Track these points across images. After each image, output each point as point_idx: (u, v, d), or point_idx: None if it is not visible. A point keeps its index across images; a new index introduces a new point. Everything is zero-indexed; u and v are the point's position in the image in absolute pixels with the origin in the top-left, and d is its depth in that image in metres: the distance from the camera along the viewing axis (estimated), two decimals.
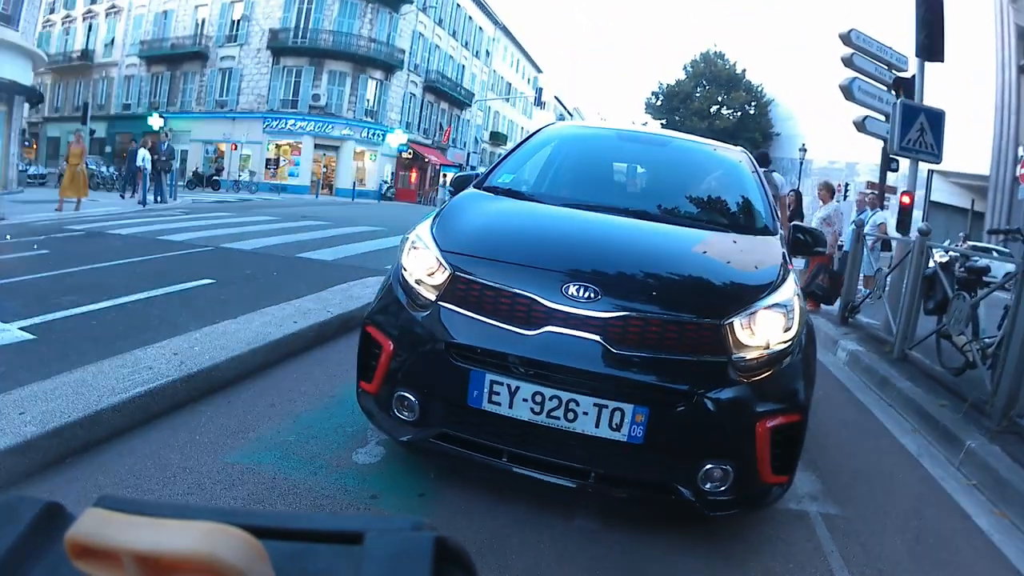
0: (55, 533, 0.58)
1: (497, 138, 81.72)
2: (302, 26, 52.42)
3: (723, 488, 3.86)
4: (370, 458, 4.64)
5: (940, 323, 8.53)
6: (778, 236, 5.29)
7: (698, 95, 63.28)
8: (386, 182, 55.96)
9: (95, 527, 0.54)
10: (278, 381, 6.06)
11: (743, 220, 5.66)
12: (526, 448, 3.94)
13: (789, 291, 4.31)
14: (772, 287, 4.26)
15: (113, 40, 62.67)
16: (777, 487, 4.07)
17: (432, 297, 4.20)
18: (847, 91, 12.84)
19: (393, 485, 4.35)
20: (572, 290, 3.90)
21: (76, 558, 0.54)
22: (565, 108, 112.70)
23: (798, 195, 14.62)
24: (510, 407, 3.82)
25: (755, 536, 4.25)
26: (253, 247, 14.26)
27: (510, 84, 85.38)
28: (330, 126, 52.42)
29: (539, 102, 71.22)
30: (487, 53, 76.45)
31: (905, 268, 9.63)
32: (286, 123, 52.28)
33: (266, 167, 52.88)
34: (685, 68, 65.27)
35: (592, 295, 3.90)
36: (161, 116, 51.58)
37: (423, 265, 4.39)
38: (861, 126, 13.15)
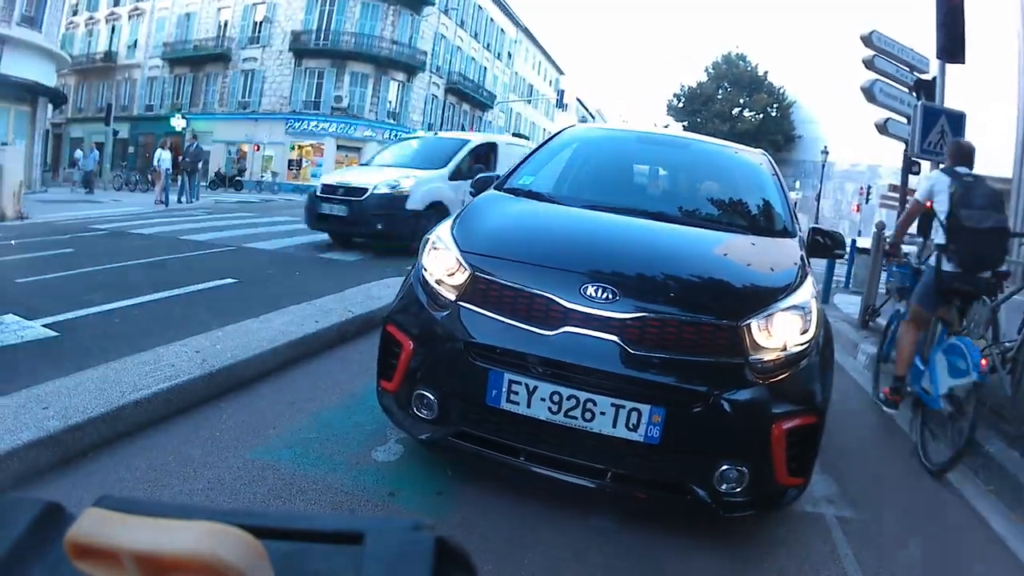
0: (55, 533, 0.58)
1: (520, 139, 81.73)
2: (324, 28, 52.46)
3: (738, 489, 3.87)
4: (389, 456, 4.67)
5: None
6: (797, 238, 5.29)
7: (720, 97, 63.07)
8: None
9: (95, 527, 0.54)
10: (299, 379, 6.11)
11: (762, 222, 5.66)
12: (544, 447, 3.95)
13: (807, 293, 4.31)
14: (790, 289, 4.27)
15: (136, 42, 62.87)
16: (793, 489, 4.07)
17: (452, 297, 4.24)
18: (868, 93, 12.82)
19: (411, 483, 4.38)
20: (590, 291, 3.91)
21: (76, 558, 0.54)
22: (587, 110, 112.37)
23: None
24: (528, 406, 3.82)
25: (770, 537, 4.27)
26: (275, 247, 14.31)
27: (532, 86, 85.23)
28: (352, 127, 52.43)
29: (560, 104, 71.11)
30: (508, 55, 76.30)
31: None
32: (308, 124, 52.34)
33: (288, 168, 53.02)
34: (707, 70, 65.05)
35: (610, 296, 3.90)
36: (184, 117, 51.61)
37: (443, 265, 4.44)
38: (883, 128, 13.15)
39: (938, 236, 6.55)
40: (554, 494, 4.21)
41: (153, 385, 4.94)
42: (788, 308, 4.12)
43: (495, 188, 5.92)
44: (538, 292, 4.00)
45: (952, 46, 11.81)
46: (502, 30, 73.94)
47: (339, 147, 52.65)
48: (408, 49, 53.84)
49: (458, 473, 4.56)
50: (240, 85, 55.80)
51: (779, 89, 62.60)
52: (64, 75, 57.38)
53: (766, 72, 63.08)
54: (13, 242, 13.20)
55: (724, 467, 3.84)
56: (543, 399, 3.80)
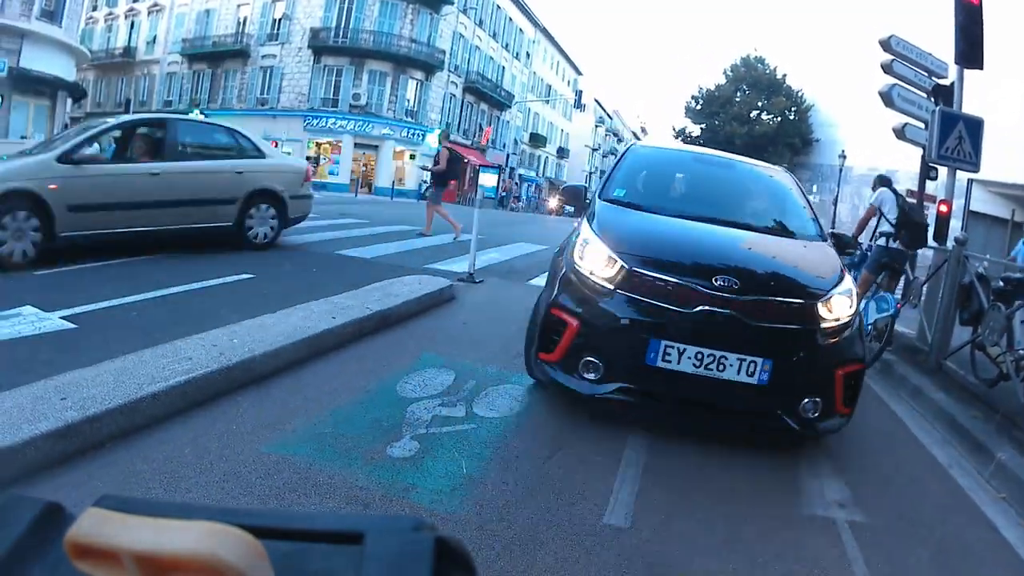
0: (55, 533, 0.59)
1: (536, 140, 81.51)
2: (343, 25, 52.51)
3: (815, 415, 5.51)
4: (404, 452, 4.69)
5: (975, 334, 8.45)
6: (828, 242, 7.13)
7: (738, 100, 62.65)
8: (425, 182, 55.77)
9: (95, 527, 0.55)
10: (315, 375, 6.13)
11: (802, 229, 7.25)
12: (686, 393, 5.50)
13: (849, 283, 6.16)
14: (840, 280, 6.06)
15: (155, 38, 63.32)
16: (845, 417, 5.78)
17: (610, 286, 5.63)
18: (886, 98, 12.75)
19: (427, 479, 4.39)
20: (719, 281, 5.43)
21: (76, 558, 0.55)
22: (604, 111, 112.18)
23: None
24: (678, 363, 5.30)
25: (781, 540, 4.29)
26: (292, 243, 14.33)
27: (550, 86, 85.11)
28: (370, 125, 52.49)
29: (579, 104, 70.90)
30: (527, 55, 76.25)
31: (941, 277, 9.58)
32: (326, 121, 52.39)
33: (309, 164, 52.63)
34: (725, 72, 64.53)
35: (734, 285, 5.43)
36: (202, 112, 51.89)
37: (597, 260, 5.82)
38: (900, 133, 13.05)
39: (883, 228, 10.67)
40: (574, 490, 4.50)
41: (170, 378, 4.97)
42: (841, 293, 5.89)
43: (600, 199, 7.23)
44: (682, 282, 5.46)
45: (971, 51, 11.83)
46: (520, 30, 73.87)
47: (357, 145, 52.88)
48: (427, 48, 53.82)
49: (473, 469, 4.60)
50: (259, 81, 55.92)
51: (797, 92, 62.08)
52: (83, 70, 57.86)
53: (784, 75, 62.56)
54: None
55: (806, 400, 5.48)
56: (689, 358, 5.29)
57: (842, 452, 5.93)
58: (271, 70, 55.20)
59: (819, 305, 5.65)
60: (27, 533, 0.60)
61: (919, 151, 13.74)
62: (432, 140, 53.73)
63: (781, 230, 7.14)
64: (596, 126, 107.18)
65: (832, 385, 5.55)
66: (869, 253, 10.75)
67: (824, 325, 5.62)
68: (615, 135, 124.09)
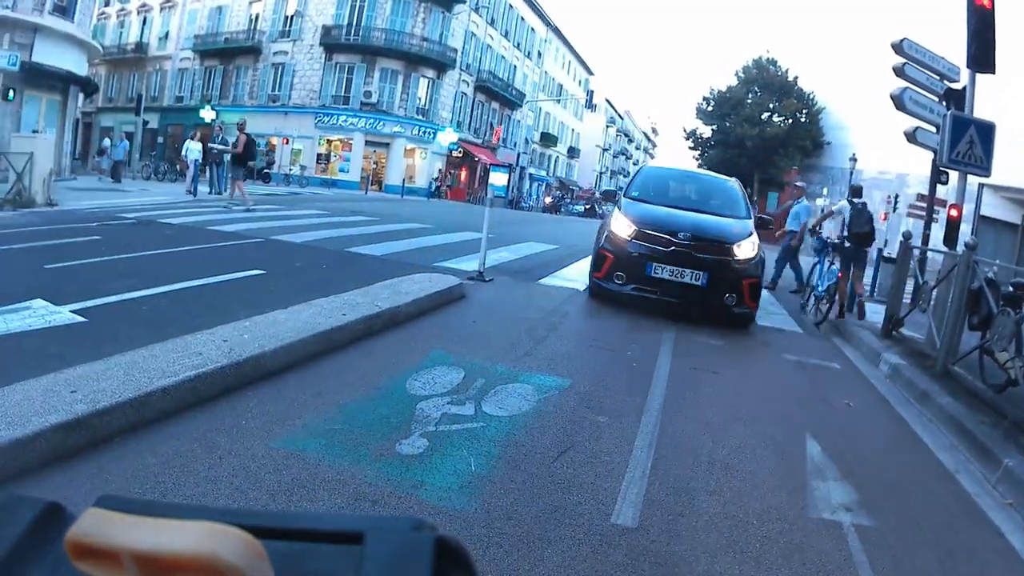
0: (55, 533, 0.59)
1: (547, 139, 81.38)
2: (355, 23, 52.37)
3: (733, 304, 10.60)
4: (413, 449, 4.69)
5: (984, 339, 8.43)
6: (751, 219, 12.20)
7: (749, 101, 62.49)
8: (435, 180, 55.88)
9: (95, 527, 0.55)
10: (325, 371, 6.15)
11: (736, 212, 12.39)
12: (666, 289, 10.56)
13: (754, 239, 11.21)
14: (748, 236, 11.15)
15: (167, 34, 63.30)
16: (752, 309, 11.02)
17: (628, 238, 10.86)
18: (898, 101, 12.77)
19: (435, 476, 4.39)
20: (682, 235, 10.52)
21: (76, 558, 0.55)
22: (616, 111, 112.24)
23: None
24: (661, 274, 10.50)
25: (787, 542, 4.30)
26: (303, 240, 14.33)
27: (561, 85, 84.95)
28: (381, 123, 52.38)
29: (590, 104, 70.68)
30: (539, 54, 76.08)
31: (951, 282, 9.60)
32: (338, 119, 52.27)
33: (317, 162, 52.98)
34: (737, 74, 64.39)
35: (687, 236, 10.55)
36: (213, 109, 52.10)
37: (622, 225, 11.12)
38: (911, 137, 13.03)
39: (836, 228, 14.02)
40: (573, 487, 4.51)
41: (180, 372, 4.98)
42: (746, 243, 10.95)
43: (624, 196, 12.72)
44: (662, 235, 10.62)
45: (983, 55, 11.89)
46: (532, 29, 73.77)
47: (368, 142, 52.88)
48: (438, 46, 53.72)
49: (481, 466, 4.61)
50: (270, 78, 55.86)
51: (809, 95, 61.82)
52: (95, 65, 57.91)
53: (796, 77, 62.30)
54: (43, 228, 13.30)
55: (726, 295, 10.56)
56: (667, 271, 10.50)
57: (849, 455, 5.92)
58: (283, 67, 55.14)
59: (733, 247, 10.93)
60: (27, 533, 0.60)
61: (930, 155, 13.75)
62: (443, 138, 53.95)
63: (722, 212, 12.31)
64: (607, 126, 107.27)
65: (742, 288, 10.81)
66: (827, 246, 13.91)
67: (736, 257, 10.87)
68: (626, 135, 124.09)
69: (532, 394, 6.17)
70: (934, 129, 12.80)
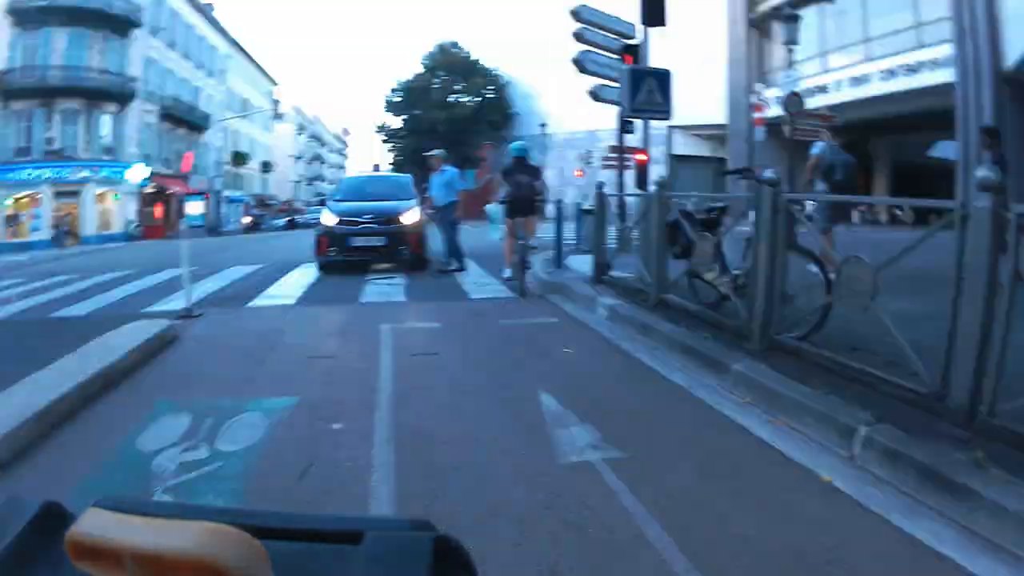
0: (55, 533, 0.60)
1: (239, 158, 78.13)
2: (30, 64, 48.56)
3: (406, 254, 16.34)
4: None
5: (689, 264, 9.03)
6: (415, 200, 17.71)
7: (436, 86, 63.37)
8: (132, 221, 52.94)
9: (95, 527, 0.56)
10: (52, 451, 5.65)
11: (406, 196, 17.82)
12: (364, 253, 16.41)
13: (417, 210, 17.04)
14: (411, 209, 16.88)
15: None
16: (420, 253, 16.69)
17: (333, 224, 16.39)
18: (579, 64, 13.54)
19: None
20: (366, 218, 16.30)
21: (76, 558, 0.56)
22: (305, 117, 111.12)
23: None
24: (357, 243, 16.20)
25: (547, 493, 4.43)
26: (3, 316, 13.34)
27: (246, 100, 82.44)
28: (68, 170, 48.98)
29: (276, 115, 67.90)
30: (221, 71, 73.61)
31: (649, 221, 10.15)
32: (21, 173, 48.28)
33: (7, 225, 48.14)
34: (423, 61, 65.22)
35: (371, 216, 16.41)
36: None
37: (330, 218, 16.59)
38: (595, 95, 13.78)
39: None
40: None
41: None
42: (410, 212, 16.77)
43: (331, 200, 18.54)
44: (353, 218, 16.35)
45: (654, 12, 12.78)
46: (213, 47, 71.63)
47: (57, 194, 49.42)
48: (118, 77, 51.02)
49: (230, 505, 4.43)
50: None
51: (493, 71, 63.30)
52: None
53: (478, 59, 63.73)
54: None
55: (401, 247, 16.28)
56: (361, 240, 16.17)
57: (583, 399, 6.17)
58: None
59: (399, 217, 16.30)
60: (27, 533, 0.62)
61: (616, 109, 14.48)
62: (132, 175, 51.22)
63: (397, 197, 17.58)
64: (298, 134, 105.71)
65: (410, 241, 16.19)
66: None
67: (403, 223, 16.23)
68: (318, 140, 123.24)
69: (262, 420, 6.00)
70: (616, 84, 13.48)
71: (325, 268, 16.80)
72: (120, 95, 51.14)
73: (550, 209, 15.81)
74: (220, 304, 12.32)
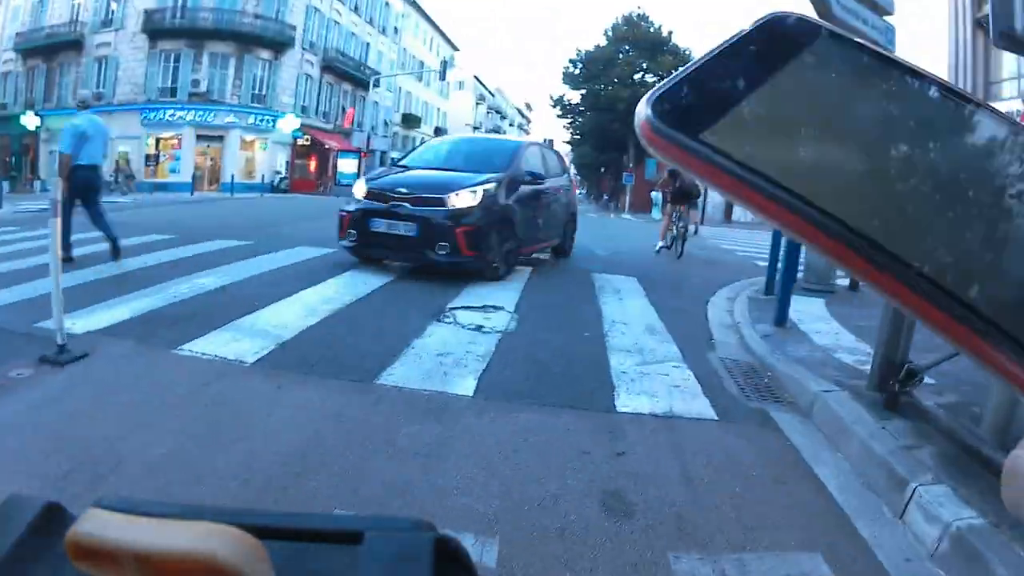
0: (55, 533, 0.57)
1: (410, 120, 77.18)
2: (180, 5, 47.71)
3: (445, 253, 11.35)
4: None
5: None
6: (501, 172, 12.76)
7: (620, 61, 59.65)
8: (279, 172, 51.55)
9: (95, 527, 0.52)
10: None
11: (491, 168, 12.94)
12: (388, 241, 11.84)
13: (475, 190, 11.77)
14: (472, 188, 11.79)
15: None
16: (472, 257, 11.48)
17: (360, 198, 12.27)
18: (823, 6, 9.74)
19: None
20: (398, 192, 11.89)
21: (76, 558, 0.52)
22: (486, 88, 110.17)
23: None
24: (379, 228, 11.79)
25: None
26: None
27: (423, 63, 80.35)
28: (212, 114, 47.69)
29: (443, 76, 64.74)
30: (395, 30, 71.93)
31: None
32: (164, 113, 47.38)
33: (146, 164, 48.14)
34: (606, 32, 61.72)
35: (404, 191, 11.89)
36: (37, 114, 48.46)
37: (359, 189, 12.51)
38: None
39: None
40: None
41: None
42: (467, 190, 11.72)
43: (392, 163, 17.68)
44: (385, 193, 11.99)
45: None
46: (387, 3, 69.48)
47: (199, 137, 48.32)
48: (274, 23, 49.37)
49: None
50: (94, 75, 50.73)
51: (684, 51, 59.22)
52: None
53: (671, 32, 59.80)
54: None
55: (441, 243, 11.36)
56: (385, 223, 11.73)
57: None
58: (106, 60, 50.22)
59: (446, 198, 11.64)
60: (27, 533, 0.59)
61: None
62: (284, 125, 49.40)
63: (478, 169, 12.71)
64: (476, 104, 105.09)
65: (454, 237, 11.43)
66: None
67: (448, 207, 11.58)
68: (498, 112, 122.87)
69: None
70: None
71: (360, 261, 12.57)
72: (274, 42, 49.79)
73: (745, 213, 12.61)
74: (150, 331, 7.87)
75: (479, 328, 8.50)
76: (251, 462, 4.70)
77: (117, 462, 4.67)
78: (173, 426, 5.25)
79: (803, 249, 10.14)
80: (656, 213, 24.33)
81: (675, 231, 17.65)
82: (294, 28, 50.74)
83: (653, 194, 26.12)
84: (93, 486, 4.32)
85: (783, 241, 9.96)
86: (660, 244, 18.22)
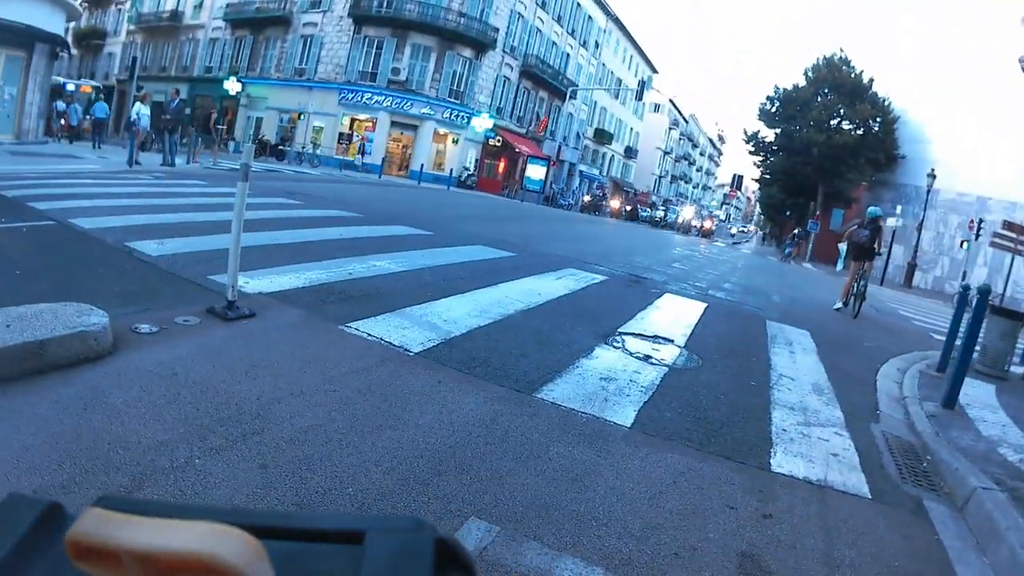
0: (55, 533, 0.58)
1: (602, 136, 76.83)
2: None
3: None
4: None
5: None
6: None
7: (817, 103, 57.79)
8: (467, 168, 51.84)
9: (95, 527, 0.54)
10: None
11: None
12: None
13: None
14: None
15: (202, 2, 61.17)
16: None
17: None
18: None
19: None
20: None
21: (76, 558, 0.54)
22: (680, 113, 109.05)
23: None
24: None
25: None
26: (108, 225, 10.32)
27: (620, 80, 79.54)
28: (409, 103, 48.07)
29: (640, 96, 63.67)
30: (596, 44, 71.55)
31: None
32: (362, 96, 48.31)
33: (338, 141, 49.24)
34: (806, 73, 59.89)
35: None
36: (239, 81, 50.33)
37: None
38: None
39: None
40: None
41: None
42: None
43: None
44: None
45: None
46: (590, 17, 69.03)
47: (394, 123, 48.93)
48: (478, 23, 49.54)
49: None
50: (298, 51, 52.66)
51: (884, 101, 56.81)
52: (132, 33, 63.28)
53: (871, 80, 57.54)
54: None
55: None
56: None
57: None
58: (311, 39, 51.86)
59: None
60: (27, 533, 0.59)
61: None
62: (478, 124, 49.66)
63: None
64: (670, 129, 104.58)
65: None
66: None
67: None
68: (689, 139, 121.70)
69: None
70: None
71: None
72: (478, 42, 50.00)
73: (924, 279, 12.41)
74: (320, 303, 7.80)
75: (647, 359, 8.01)
76: (397, 451, 4.53)
77: (263, 424, 4.58)
78: (327, 401, 5.11)
79: (984, 328, 9.59)
80: (840, 265, 25.60)
81: (855, 288, 17.32)
82: (496, 30, 50.96)
83: (840, 246, 26.19)
84: (236, 444, 4.26)
85: (964, 317, 9.21)
86: (839, 304, 18.05)
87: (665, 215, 65.36)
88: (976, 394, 9.41)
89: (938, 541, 4.97)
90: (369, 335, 6.83)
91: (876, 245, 17.62)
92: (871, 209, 18.07)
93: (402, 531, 0.59)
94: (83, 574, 0.52)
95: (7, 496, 0.61)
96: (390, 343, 6.70)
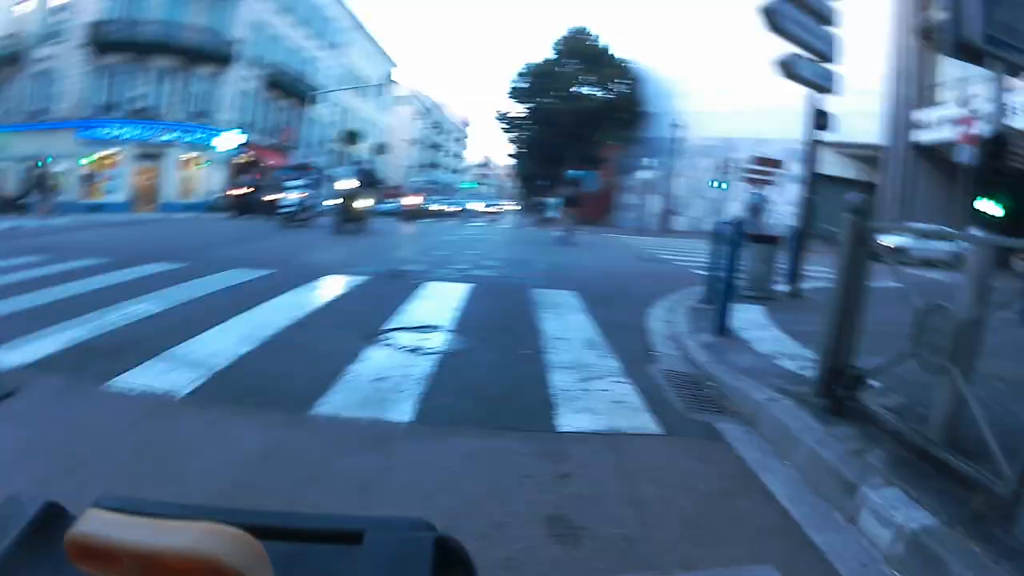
0: (55, 533, 0.58)
1: (351, 137, 75.82)
2: (127, 17, 45.83)
3: None
4: None
5: None
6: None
7: (566, 71, 59.32)
8: (214, 191, 49.22)
9: (95, 527, 0.54)
10: None
11: None
12: None
13: None
14: None
15: None
16: None
17: None
18: (773, 16, 10.21)
19: None
20: None
21: (76, 558, 0.54)
22: (423, 103, 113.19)
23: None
24: None
25: None
26: None
27: (363, 79, 79.34)
28: (153, 131, 45.85)
29: (380, 91, 63.30)
30: (339, 45, 71.18)
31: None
32: (102, 130, 45.44)
33: (81, 184, 45.73)
34: (553, 46, 61.77)
35: None
36: None
37: None
38: (789, 69, 9.28)
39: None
40: None
41: None
42: None
43: None
44: None
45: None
46: (330, 18, 68.56)
47: (138, 156, 46.37)
48: (218, 37, 48.00)
49: None
50: (34, 90, 48.82)
51: (626, 62, 59.21)
52: None
53: (610, 46, 59.85)
54: None
55: None
56: None
57: None
58: (47, 74, 48.15)
59: None
60: (27, 533, 0.59)
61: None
62: (221, 143, 47.64)
63: None
64: (417, 119, 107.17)
65: None
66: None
67: None
68: (436, 127, 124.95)
69: None
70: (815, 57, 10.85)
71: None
72: (218, 56, 48.35)
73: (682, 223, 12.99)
74: (81, 364, 7.24)
75: (416, 350, 8.15)
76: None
77: None
78: (103, 472, 4.81)
79: (743, 256, 10.47)
80: (549, 213, 40.40)
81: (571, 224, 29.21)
82: (241, 42, 49.65)
83: (549, 200, 40.59)
84: None
85: (726, 251, 9.71)
86: (560, 233, 28.05)
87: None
88: (748, 316, 10.26)
89: (737, 457, 5.30)
90: (135, 388, 6.50)
91: (577, 197, 30.93)
92: (569, 172, 27.42)
93: (401, 531, 0.59)
94: (83, 574, 0.52)
95: (6, 497, 0.60)
96: (157, 392, 6.42)
